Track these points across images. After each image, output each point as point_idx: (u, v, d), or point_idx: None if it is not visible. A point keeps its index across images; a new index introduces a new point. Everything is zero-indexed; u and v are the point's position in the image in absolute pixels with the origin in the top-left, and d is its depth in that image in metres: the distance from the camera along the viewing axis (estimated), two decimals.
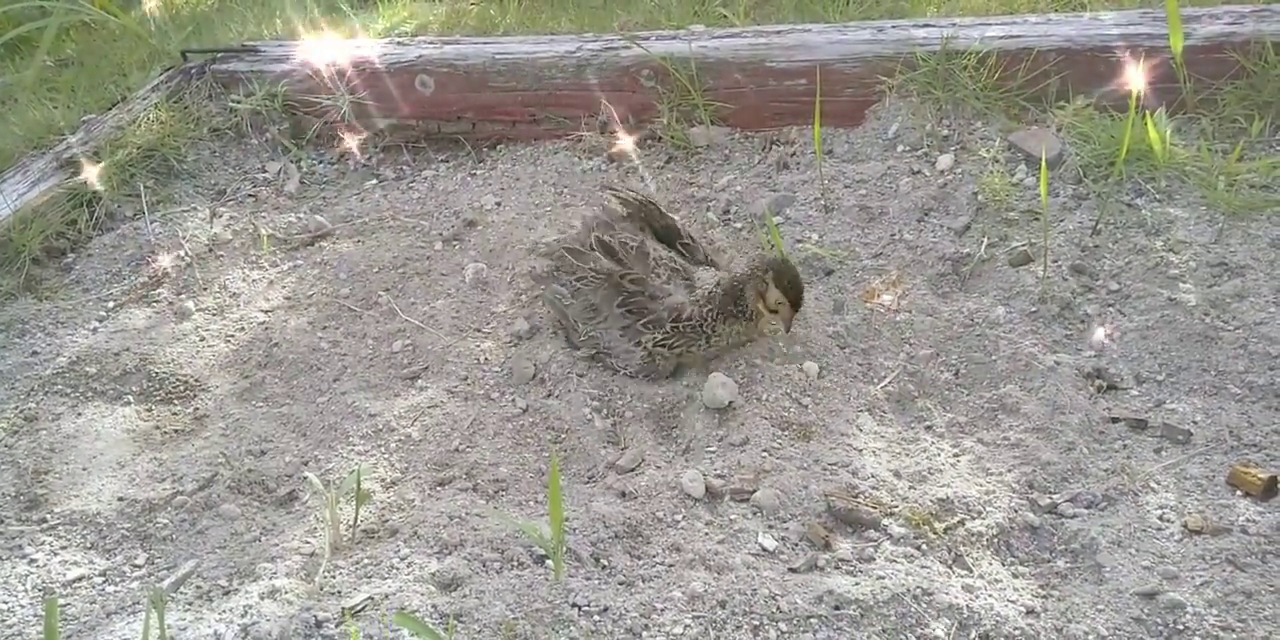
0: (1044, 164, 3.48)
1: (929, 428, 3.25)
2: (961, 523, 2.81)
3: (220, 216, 4.48)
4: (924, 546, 2.72)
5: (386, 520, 3.00)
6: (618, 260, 3.42)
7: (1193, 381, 3.14)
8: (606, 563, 2.71)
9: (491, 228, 4.23)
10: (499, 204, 4.40)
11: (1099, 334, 3.34)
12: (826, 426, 3.22)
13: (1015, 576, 2.66)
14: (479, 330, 3.75)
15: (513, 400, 3.43)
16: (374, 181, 4.71)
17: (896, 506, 2.86)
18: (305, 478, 3.15)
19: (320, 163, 4.89)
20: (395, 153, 4.84)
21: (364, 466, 3.17)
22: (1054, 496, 2.89)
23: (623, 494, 2.97)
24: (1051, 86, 4.03)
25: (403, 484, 3.14)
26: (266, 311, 3.99)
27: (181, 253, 4.24)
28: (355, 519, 2.92)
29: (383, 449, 3.28)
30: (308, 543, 2.90)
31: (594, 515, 2.84)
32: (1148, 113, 3.73)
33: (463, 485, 3.10)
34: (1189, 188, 3.64)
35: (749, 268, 3.36)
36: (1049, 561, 2.72)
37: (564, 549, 2.63)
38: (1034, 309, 3.46)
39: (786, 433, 3.17)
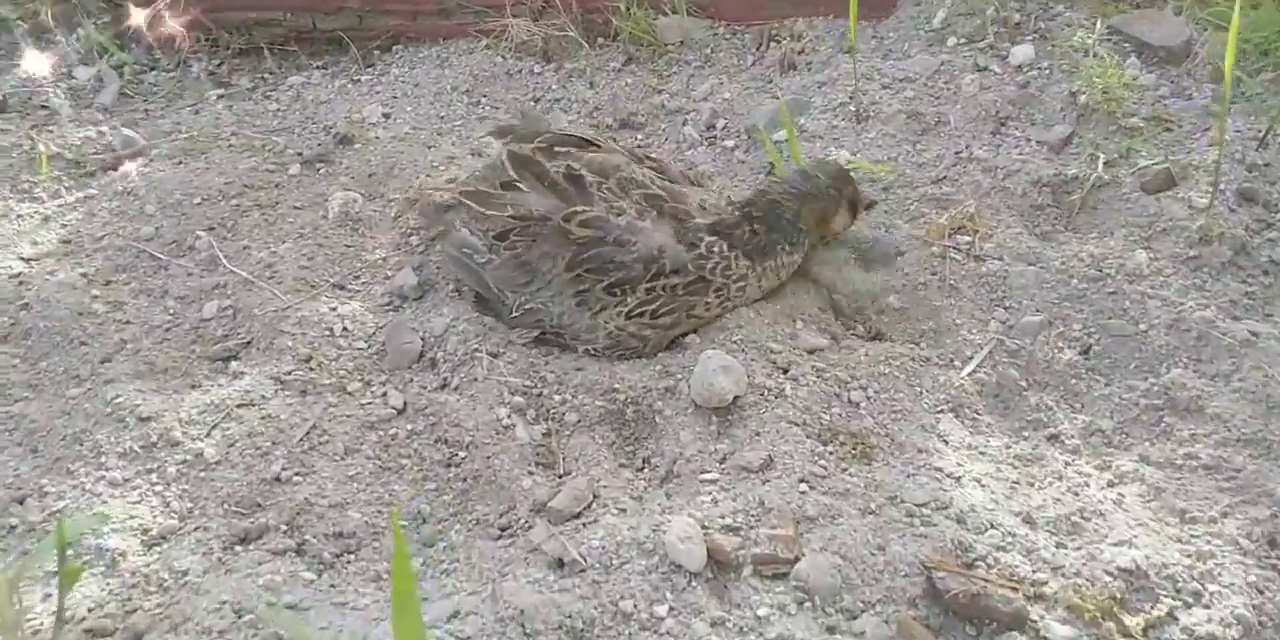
0: (1229, 42, 2.19)
1: (1054, 438, 1.95)
2: (1172, 616, 1.51)
3: None
4: None
5: (132, 609, 1.60)
6: (556, 192, 2.08)
7: None
8: None
9: (374, 146, 2.82)
10: (388, 116, 2.99)
11: None
12: (893, 437, 1.90)
13: None
14: (340, 287, 2.34)
15: (383, 395, 2.04)
16: (220, 91, 3.26)
17: (1048, 584, 1.55)
18: (11, 526, 1.75)
19: (153, 69, 3.41)
20: (254, 58, 3.38)
21: (110, 509, 1.77)
22: None
23: (559, 564, 1.60)
24: None
25: (178, 539, 1.74)
26: (27, 260, 2.52)
27: None
28: (60, 613, 1.50)
29: (154, 476, 1.86)
30: None
31: (505, 610, 1.47)
32: None
33: (280, 544, 1.71)
34: None
35: (802, 179, 2.15)
36: None
37: None
38: (1193, 253, 2.16)
39: (832, 448, 1.84)
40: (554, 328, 2.07)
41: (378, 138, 2.86)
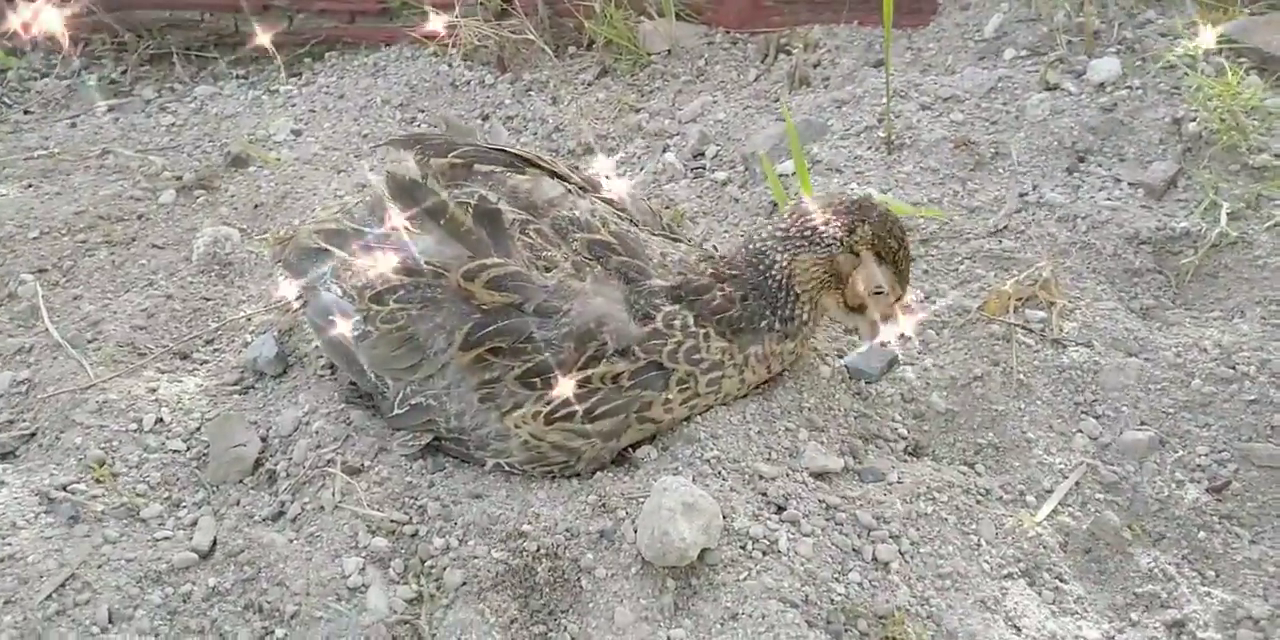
0: None
1: (1179, 626, 1.27)
2: None
3: None
4: None
5: None
6: (458, 236, 1.41)
7: None
8: None
9: (270, 169, 2.20)
10: (298, 133, 2.37)
11: None
12: (939, 621, 1.23)
13: None
14: (183, 355, 1.70)
15: (189, 525, 1.39)
16: (112, 101, 2.66)
17: None
18: None
19: (45, 76, 2.83)
20: (164, 65, 2.79)
21: None
22: None
23: None
24: None
25: None
26: None
27: None
28: None
29: None
30: None
31: None
32: None
33: None
34: None
35: (800, 219, 1.41)
36: None
37: None
38: None
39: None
40: (451, 432, 1.42)
41: (278, 159, 2.24)
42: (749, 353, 1.41)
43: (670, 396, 1.39)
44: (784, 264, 1.40)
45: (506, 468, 1.40)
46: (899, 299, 1.45)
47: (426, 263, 1.39)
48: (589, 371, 1.34)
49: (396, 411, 1.44)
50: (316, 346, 1.61)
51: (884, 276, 1.41)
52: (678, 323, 1.38)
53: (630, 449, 1.42)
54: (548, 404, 1.34)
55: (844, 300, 1.45)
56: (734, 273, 1.42)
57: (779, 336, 1.43)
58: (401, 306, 1.39)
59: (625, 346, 1.36)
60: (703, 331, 1.39)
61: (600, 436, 1.37)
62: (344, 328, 1.44)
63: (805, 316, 1.44)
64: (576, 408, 1.34)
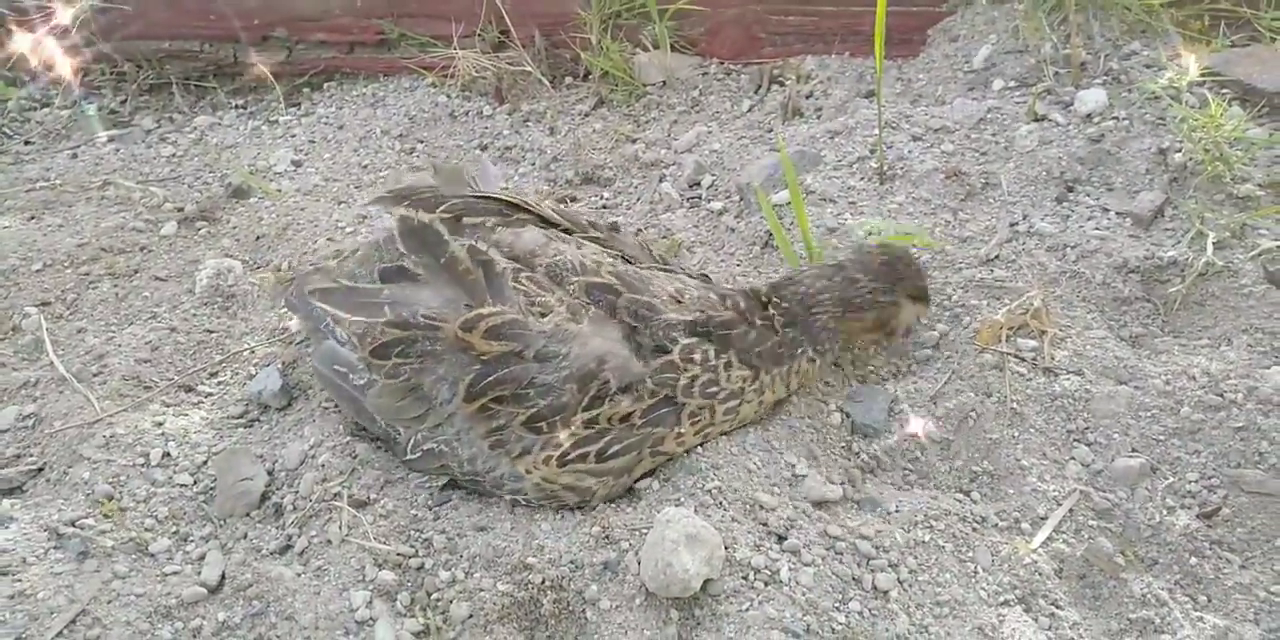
0: None
1: None
2: None
3: None
4: None
5: None
6: (461, 283, 1.44)
7: None
8: None
9: (273, 200, 2.23)
10: (298, 164, 2.40)
11: None
12: None
13: None
14: (187, 388, 1.73)
15: (197, 559, 1.41)
16: (112, 131, 2.69)
17: None
18: None
19: (46, 106, 2.86)
20: (164, 95, 2.81)
21: None
22: None
23: None
24: None
25: None
26: None
27: None
28: None
29: None
30: None
31: None
32: None
33: None
34: None
35: (841, 282, 1.57)
36: None
37: None
38: None
39: None
40: (465, 475, 1.44)
41: (279, 190, 2.27)
42: (775, 373, 1.49)
43: (683, 430, 1.42)
44: (829, 321, 1.54)
45: (523, 502, 1.43)
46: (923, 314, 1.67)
47: (423, 316, 1.41)
48: (594, 412, 1.37)
49: (410, 456, 1.46)
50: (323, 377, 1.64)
51: (918, 311, 1.64)
52: (697, 356, 1.42)
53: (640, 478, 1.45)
54: (557, 448, 1.37)
55: (880, 336, 1.64)
56: (784, 306, 1.52)
57: (807, 359, 1.53)
58: (403, 361, 1.42)
59: (629, 383, 1.39)
60: (723, 362, 1.43)
61: (613, 475, 1.40)
62: (352, 376, 1.46)
63: (837, 346, 1.59)
64: (589, 449, 1.37)
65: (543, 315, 1.40)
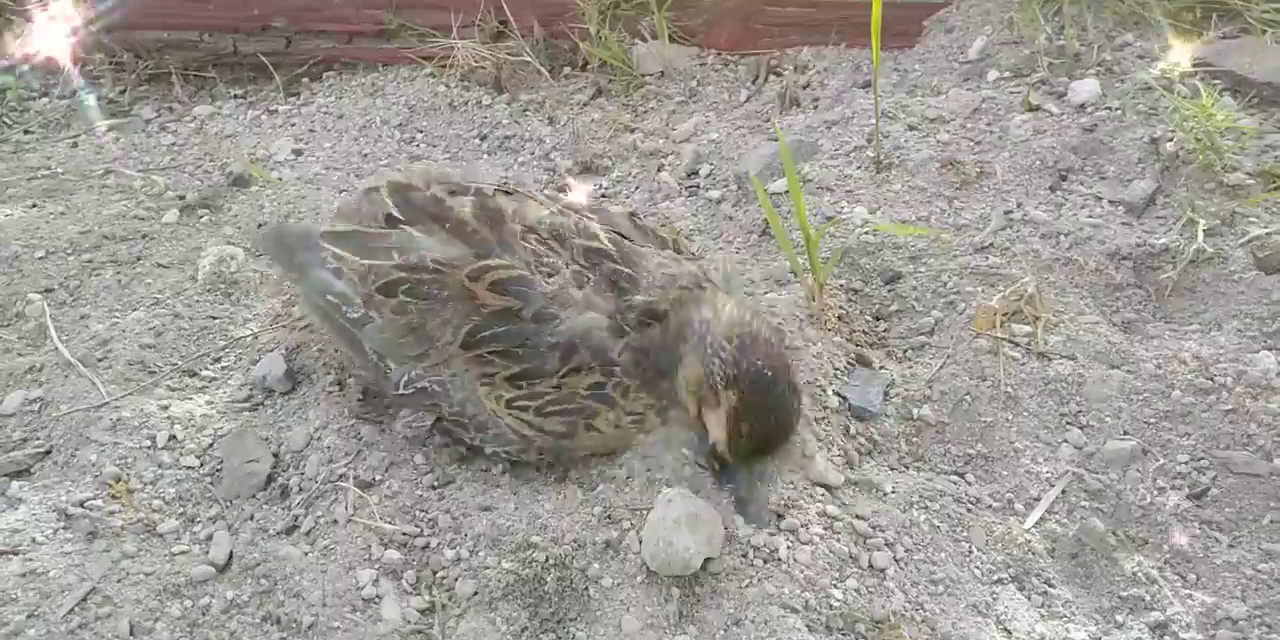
0: None
1: (1162, 628, 1.32)
2: None
3: None
4: None
5: None
6: (462, 236, 1.47)
7: None
8: None
9: (274, 189, 2.25)
10: (298, 153, 2.42)
11: None
12: (933, 625, 1.28)
13: None
14: (191, 373, 1.74)
15: (205, 539, 1.43)
16: (112, 121, 2.70)
17: None
18: None
19: (44, 96, 2.87)
20: (163, 85, 2.83)
21: None
22: None
23: None
24: None
25: None
26: None
27: None
28: None
29: None
30: None
31: None
32: None
33: None
34: None
35: (711, 334, 1.36)
36: None
37: None
38: None
39: None
40: (453, 416, 1.46)
41: (280, 179, 2.29)
42: (644, 406, 1.43)
43: (610, 417, 1.41)
44: (679, 358, 1.39)
45: (505, 455, 1.47)
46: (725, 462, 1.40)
47: (432, 260, 1.44)
48: (565, 381, 1.39)
49: (400, 391, 1.47)
50: (324, 364, 1.67)
51: (734, 426, 1.33)
52: (625, 350, 1.41)
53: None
54: (545, 402, 1.39)
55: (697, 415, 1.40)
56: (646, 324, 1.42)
57: (655, 406, 1.43)
58: (409, 300, 1.44)
59: (597, 363, 1.39)
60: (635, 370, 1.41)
61: (553, 435, 1.42)
62: (346, 309, 1.49)
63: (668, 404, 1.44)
64: (531, 403, 1.39)
65: (549, 275, 1.42)
